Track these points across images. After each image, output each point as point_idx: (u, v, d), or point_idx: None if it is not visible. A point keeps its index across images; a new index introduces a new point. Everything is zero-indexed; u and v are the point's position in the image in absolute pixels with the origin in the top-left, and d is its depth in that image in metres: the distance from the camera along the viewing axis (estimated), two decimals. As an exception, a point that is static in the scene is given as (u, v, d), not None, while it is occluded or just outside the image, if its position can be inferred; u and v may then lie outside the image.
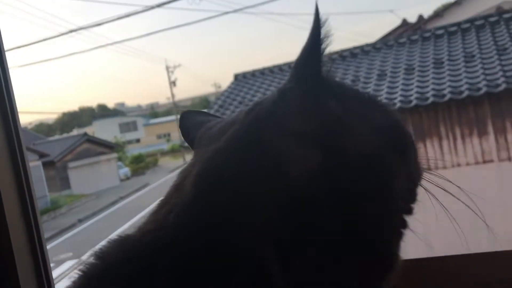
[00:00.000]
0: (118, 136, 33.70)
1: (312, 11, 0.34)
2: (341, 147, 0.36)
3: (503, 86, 6.39)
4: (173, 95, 26.70)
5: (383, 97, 6.40)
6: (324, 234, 0.32)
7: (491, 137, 6.76)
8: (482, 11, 9.35)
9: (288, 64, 9.37)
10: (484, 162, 6.78)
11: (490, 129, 6.81)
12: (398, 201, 0.38)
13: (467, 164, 6.78)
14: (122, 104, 55.89)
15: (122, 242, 0.40)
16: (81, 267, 0.39)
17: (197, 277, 0.34)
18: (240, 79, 9.66)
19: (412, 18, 13.55)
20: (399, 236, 0.38)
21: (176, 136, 23.07)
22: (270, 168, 0.35)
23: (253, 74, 9.60)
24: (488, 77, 6.76)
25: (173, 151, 32.54)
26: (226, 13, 13.15)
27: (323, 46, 0.35)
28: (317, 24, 0.35)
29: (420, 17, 12.77)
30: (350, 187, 0.35)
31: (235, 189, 0.35)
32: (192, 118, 0.49)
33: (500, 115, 6.74)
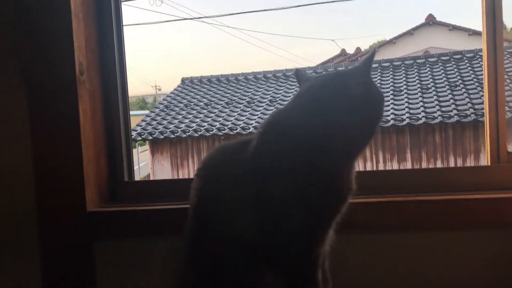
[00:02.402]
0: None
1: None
2: (371, 89, 0.85)
3: (423, 120, 7.11)
4: (110, 92, 25.87)
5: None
6: (354, 119, 0.83)
7: (409, 164, 7.41)
8: (412, 53, 10.14)
9: (235, 75, 9.60)
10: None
11: (409, 156, 7.45)
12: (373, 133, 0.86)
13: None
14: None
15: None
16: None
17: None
18: (187, 83, 9.71)
19: (351, 49, 14.48)
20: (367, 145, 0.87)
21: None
22: (347, 89, 0.83)
23: (201, 80, 9.69)
24: (411, 111, 7.40)
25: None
26: (184, 19, 13.25)
27: (373, 58, 0.87)
28: (373, 53, 0.87)
29: (358, 49, 13.63)
30: (370, 104, 0.84)
31: (334, 94, 0.83)
32: (301, 72, 0.96)
33: (418, 145, 7.41)
